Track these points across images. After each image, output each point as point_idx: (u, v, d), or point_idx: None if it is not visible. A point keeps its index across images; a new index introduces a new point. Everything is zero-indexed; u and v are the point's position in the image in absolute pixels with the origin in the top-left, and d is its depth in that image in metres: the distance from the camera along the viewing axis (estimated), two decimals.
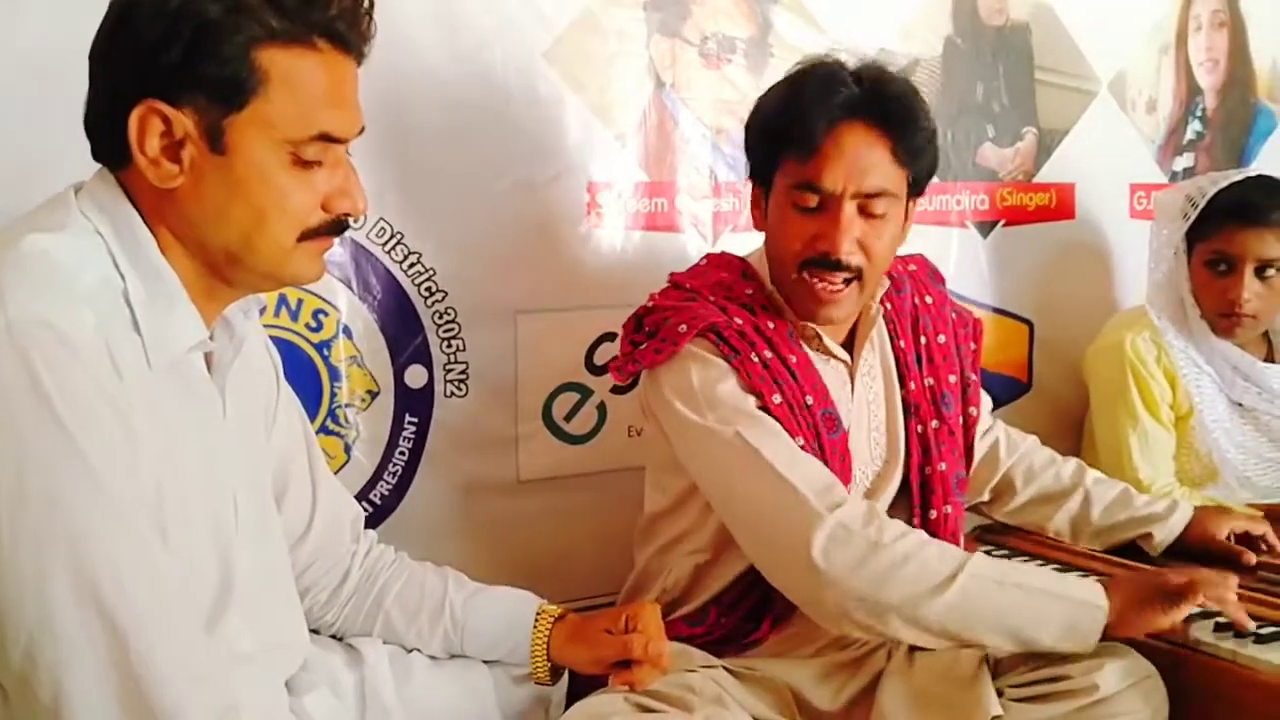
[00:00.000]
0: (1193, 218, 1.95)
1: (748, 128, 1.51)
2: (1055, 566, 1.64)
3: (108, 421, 0.89)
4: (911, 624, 1.30)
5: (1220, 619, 1.40)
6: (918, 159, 1.43)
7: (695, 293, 1.48)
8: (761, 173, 1.49)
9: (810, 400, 1.43)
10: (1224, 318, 1.96)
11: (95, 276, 0.95)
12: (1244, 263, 1.92)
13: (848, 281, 1.42)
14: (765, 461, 1.35)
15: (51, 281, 0.91)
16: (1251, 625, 1.37)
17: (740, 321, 1.43)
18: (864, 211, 1.40)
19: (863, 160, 1.39)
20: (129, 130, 0.96)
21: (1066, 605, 1.31)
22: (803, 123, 1.39)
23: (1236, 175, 1.99)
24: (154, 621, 0.89)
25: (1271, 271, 1.92)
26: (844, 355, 1.51)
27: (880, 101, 1.40)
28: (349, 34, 1.02)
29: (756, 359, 1.41)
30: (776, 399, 1.40)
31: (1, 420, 0.85)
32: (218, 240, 1.00)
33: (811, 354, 1.48)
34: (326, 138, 1.01)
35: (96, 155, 1.02)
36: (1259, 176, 1.99)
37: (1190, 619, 1.38)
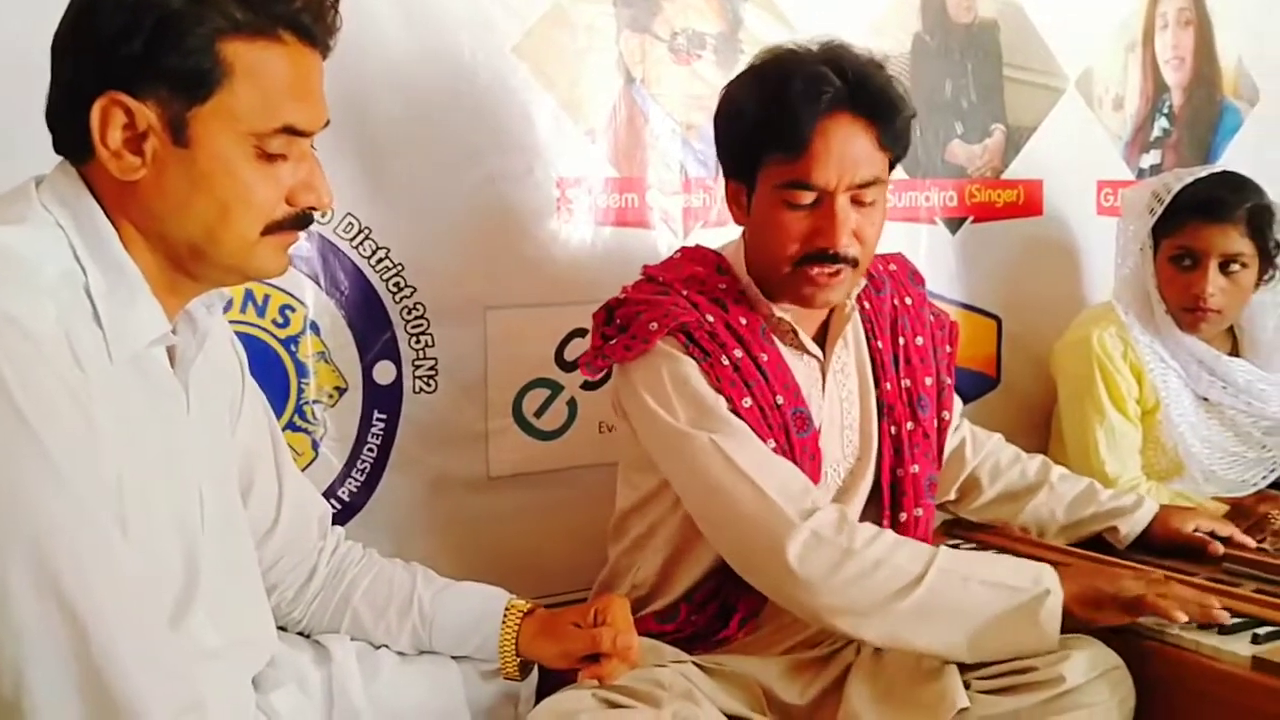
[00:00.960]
0: (1159, 213, 1.97)
1: (723, 124, 1.50)
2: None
3: (69, 414, 0.88)
4: (884, 627, 1.32)
5: None
6: (899, 141, 1.44)
7: (668, 286, 1.47)
8: (743, 170, 1.47)
9: (781, 400, 1.43)
10: (1188, 312, 1.97)
11: (56, 269, 0.94)
12: (1208, 258, 1.94)
13: (843, 267, 1.42)
14: (740, 469, 1.35)
15: (11, 274, 0.90)
16: (1227, 616, 1.37)
17: (712, 319, 1.43)
18: (856, 202, 1.41)
19: (851, 153, 1.38)
20: (91, 122, 0.95)
21: (1027, 595, 1.32)
22: (791, 122, 1.37)
23: (1202, 172, 2.01)
24: (116, 614, 0.88)
25: (1235, 267, 1.94)
26: (817, 351, 1.51)
27: (866, 94, 1.40)
28: (314, 26, 1.01)
29: (727, 360, 1.41)
30: (746, 402, 1.40)
31: None
32: (181, 233, 0.99)
33: (784, 350, 1.48)
34: (291, 130, 1.00)
35: (58, 148, 1.00)
36: (1224, 173, 2.01)
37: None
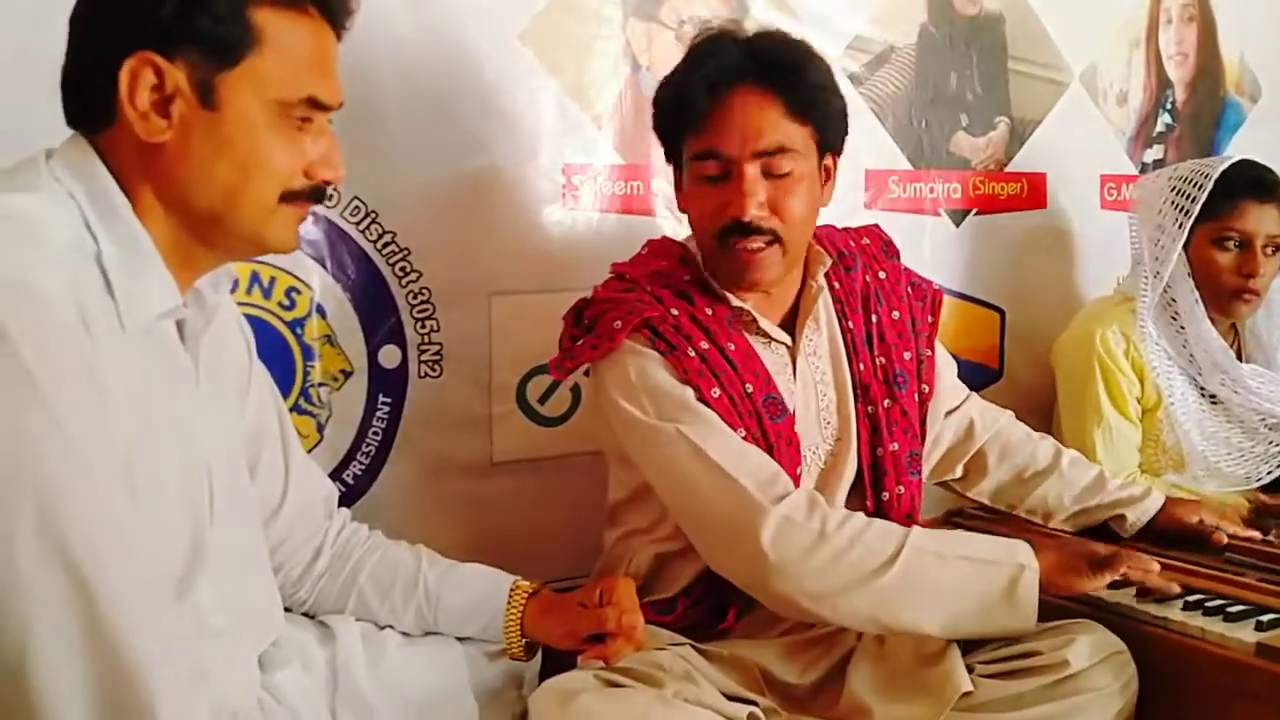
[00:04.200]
0: (1201, 200, 1.94)
1: (654, 109, 1.51)
2: None
3: (79, 379, 0.88)
4: (859, 608, 1.32)
5: (1189, 597, 1.43)
6: (814, 112, 1.43)
7: (634, 283, 1.47)
8: (670, 152, 1.50)
9: (750, 388, 1.43)
10: (1234, 296, 1.96)
11: (67, 237, 0.94)
12: (1256, 239, 1.94)
13: (768, 244, 1.42)
14: (708, 457, 1.36)
15: (23, 241, 0.90)
16: (1176, 589, 1.43)
17: (676, 313, 1.43)
18: (769, 173, 1.41)
19: (754, 121, 1.39)
20: (119, 84, 0.95)
21: (1002, 570, 1.34)
22: (690, 93, 1.41)
23: (1220, 160, 1.99)
24: (122, 579, 0.88)
25: (1271, 249, 1.95)
26: (784, 337, 1.51)
27: (761, 61, 1.41)
28: (335, 4, 1.04)
29: (693, 352, 1.41)
30: (715, 392, 1.40)
31: None
32: (202, 198, 1.00)
33: (750, 338, 1.48)
34: (314, 103, 1.02)
35: (71, 119, 1.01)
36: (1247, 159, 2.01)
37: (1116, 585, 1.44)
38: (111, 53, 0.96)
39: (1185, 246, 1.97)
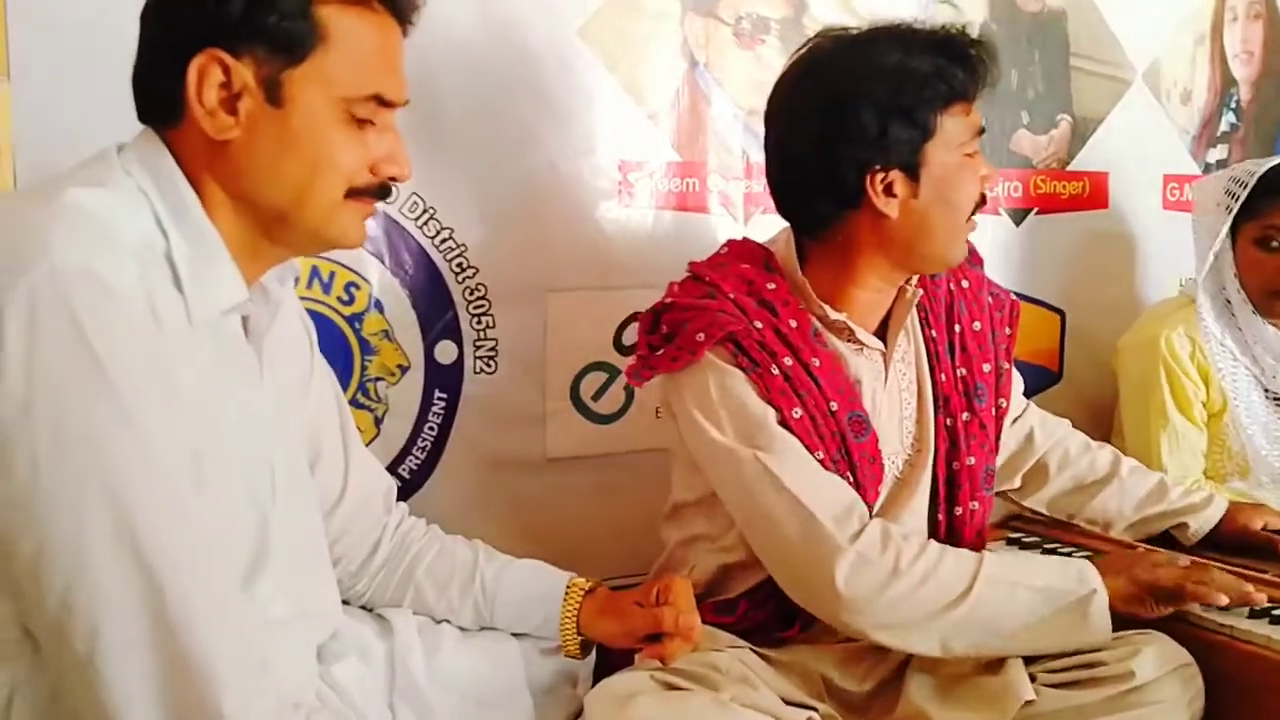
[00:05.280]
0: (1242, 198, 1.92)
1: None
2: (1086, 555, 1.62)
3: (147, 370, 0.89)
4: (934, 639, 1.32)
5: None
6: None
7: (715, 287, 1.42)
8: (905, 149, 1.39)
9: (835, 406, 1.39)
10: (1274, 295, 1.93)
11: (137, 232, 0.95)
12: None
13: None
14: (786, 488, 1.34)
15: (96, 233, 0.91)
16: (1263, 599, 1.39)
17: (760, 325, 1.39)
18: None
19: None
20: (187, 81, 0.96)
21: (1073, 597, 1.33)
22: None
23: (1277, 159, 1.97)
24: (190, 571, 0.89)
25: None
26: (878, 344, 1.48)
27: None
28: (403, 1, 1.03)
29: (777, 370, 1.38)
30: (796, 413, 1.37)
31: (43, 366, 0.84)
32: (269, 195, 1.00)
33: (842, 347, 1.45)
34: (379, 99, 1.02)
35: (142, 114, 1.02)
36: None
37: None
38: (180, 50, 0.96)
39: (1233, 246, 1.95)
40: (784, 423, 1.37)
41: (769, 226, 1.64)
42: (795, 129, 1.44)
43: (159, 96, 0.99)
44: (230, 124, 0.97)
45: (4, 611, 0.90)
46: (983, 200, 1.45)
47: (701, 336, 1.37)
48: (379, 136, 1.04)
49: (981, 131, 1.45)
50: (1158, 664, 1.30)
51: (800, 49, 1.47)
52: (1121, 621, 1.36)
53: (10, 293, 0.84)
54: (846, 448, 1.40)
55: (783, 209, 1.50)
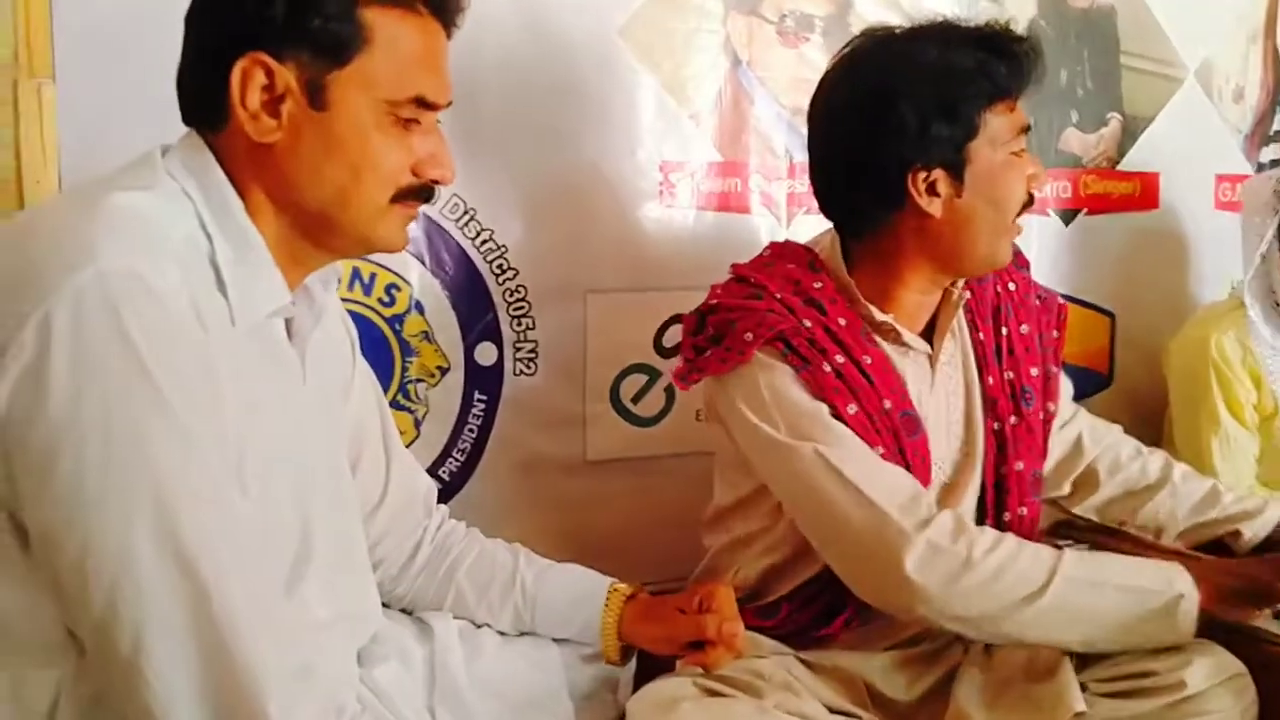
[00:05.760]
0: None
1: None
2: None
3: (193, 373, 0.89)
4: (1008, 631, 1.29)
5: None
6: None
7: (761, 288, 1.40)
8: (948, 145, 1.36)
9: (888, 404, 1.37)
10: None
11: (182, 235, 0.95)
12: None
13: None
14: (848, 480, 1.31)
15: (141, 236, 0.91)
16: None
17: (809, 324, 1.37)
18: None
19: None
20: (230, 84, 0.96)
21: (1159, 598, 1.28)
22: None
23: None
24: (235, 575, 0.88)
25: None
26: (924, 346, 1.45)
27: None
28: (447, 1, 1.03)
29: (829, 367, 1.36)
30: (851, 409, 1.35)
31: (89, 368, 0.85)
32: (313, 199, 1.00)
33: (888, 348, 1.42)
34: (422, 102, 1.01)
35: (187, 117, 1.02)
36: None
37: None
38: (223, 53, 0.96)
39: None
40: (838, 417, 1.35)
41: (812, 227, 1.63)
42: (836, 127, 1.42)
43: (202, 99, 0.99)
44: (273, 127, 0.97)
45: (48, 614, 0.90)
46: (1030, 200, 1.42)
47: (750, 336, 1.36)
48: (423, 138, 1.03)
49: (1027, 129, 1.42)
50: (1210, 674, 1.27)
51: (843, 48, 1.45)
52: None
53: (56, 295, 0.84)
54: (900, 445, 1.38)
55: (826, 209, 1.48)
